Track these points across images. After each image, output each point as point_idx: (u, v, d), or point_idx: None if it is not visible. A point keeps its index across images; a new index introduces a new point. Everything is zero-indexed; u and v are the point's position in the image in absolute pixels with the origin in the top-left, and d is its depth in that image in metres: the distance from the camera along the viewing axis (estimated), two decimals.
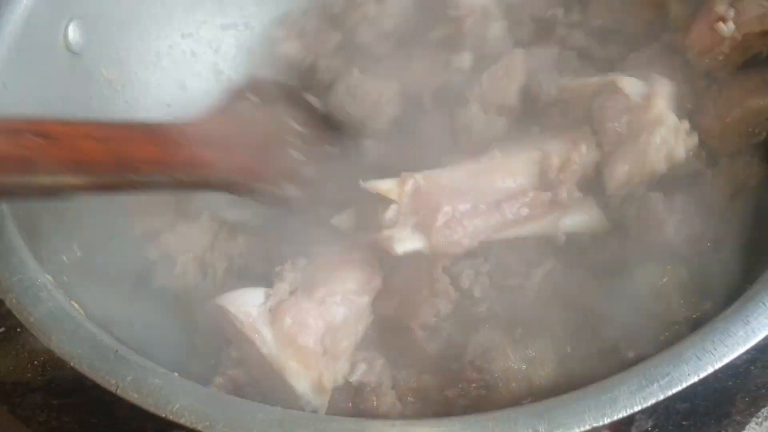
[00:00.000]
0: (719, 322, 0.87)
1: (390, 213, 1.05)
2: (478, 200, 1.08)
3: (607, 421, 0.80)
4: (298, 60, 1.59)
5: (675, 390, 0.82)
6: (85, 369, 0.85)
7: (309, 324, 0.99)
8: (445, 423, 0.82)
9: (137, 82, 1.50)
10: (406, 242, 1.05)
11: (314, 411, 0.98)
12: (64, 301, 0.94)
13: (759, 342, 1.37)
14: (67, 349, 0.87)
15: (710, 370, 0.83)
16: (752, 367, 1.45)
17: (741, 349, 0.84)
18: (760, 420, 2.13)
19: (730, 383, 1.49)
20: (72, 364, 0.86)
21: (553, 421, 0.80)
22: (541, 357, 1.08)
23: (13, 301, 0.92)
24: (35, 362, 1.31)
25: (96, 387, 1.30)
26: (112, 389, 0.84)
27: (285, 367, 0.96)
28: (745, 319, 0.86)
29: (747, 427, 1.93)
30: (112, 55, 1.46)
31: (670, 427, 1.67)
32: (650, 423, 1.63)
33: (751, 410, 1.65)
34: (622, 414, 0.81)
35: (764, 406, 1.69)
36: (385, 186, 1.06)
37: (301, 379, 0.97)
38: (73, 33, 1.35)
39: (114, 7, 1.46)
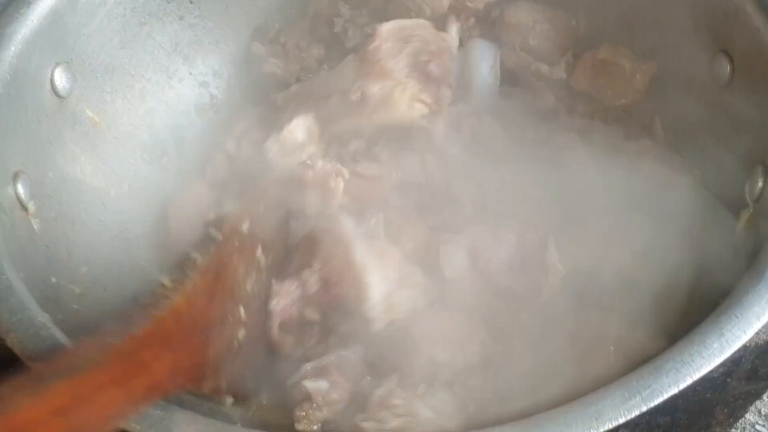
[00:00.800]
0: (695, 335, 0.92)
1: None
2: None
3: None
4: (285, 77, 1.64)
5: (657, 401, 0.86)
6: None
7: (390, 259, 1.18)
8: None
9: (122, 124, 1.53)
10: None
11: (371, 321, 1.11)
12: (63, 338, 0.96)
13: (734, 355, 1.43)
14: None
15: (689, 381, 0.87)
16: (729, 379, 1.50)
17: (717, 360, 0.89)
18: (738, 431, 2.18)
19: (709, 395, 1.54)
20: None
21: None
22: None
23: (15, 340, 0.94)
24: None
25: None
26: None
27: (370, 271, 1.11)
28: (719, 332, 0.91)
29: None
30: (97, 97, 1.49)
31: None
32: None
33: (729, 421, 1.70)
34: (608, 426, 0.85)
35: (742, 417, 1.74)
36: None
37: (378, 288, 1.11)
38: (59, 78, 1.38)
39: (98, 52, 1.49)
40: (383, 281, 1.13)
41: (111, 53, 1.53)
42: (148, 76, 1.61)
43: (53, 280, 1.22)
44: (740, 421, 2.23)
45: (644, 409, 0.86)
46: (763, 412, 2.31)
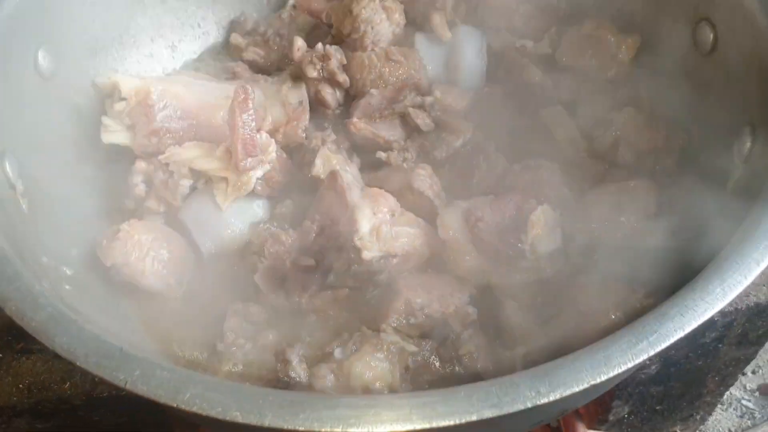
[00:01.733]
0: (697, 282, 0.93)
1: (117, 106, 1.41)
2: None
3: (603, 378, 0.84)
4: (266, 65, 1.64)
5: (663, 345, 0.86)
6: (92, 367, 0.86)
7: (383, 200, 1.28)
8: (449, 392, 0.85)
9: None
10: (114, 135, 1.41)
11: (360, 250, 1.20)
12: (62, 305, 0.94)
13: (726, 320, 1.46)
14: (73, 350, 0.87)
15: (694, 324, 0.88)
16: (720, 345, 1.52)
17: (720, 305, 0.90)
18: (725, 406, 2.22)
19: (701, 363, 1.56)
20: (78, 363, 0.86)
21: (554, 382, 0.83)
22: None
23: (13, 308, 0.92)
24: (20, 385, 1.30)
25: (81, 407, 1.32)
26: (121, 384, 0.84)
27: (360, 208, 1.23)
28: (721, 278, 0.92)
29: (714, 411, 2.01)
30: (81, 79, 1.47)
31: (645, 413, 1.73)
32: (626, 409, 1.69)
33: (720, 390, 1.72)
34: (617, 371, 0.85)
35: (732, 384, 1.77)
36: (128, 84, 1.39)
37: (367, 221, 1.23)
38: (42, 58, 1.36)
39: (81, 34, 1.48)
40: (372, 216, 1.24)
41: (94, 35, 1.51)
42: (131, 58, 1.60)
43: (44, 260, 1.20)
44: (727, 396, 2.27)
45: (651, 353, 0.86)
46: (748, 387, 2.35)
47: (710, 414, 1.88)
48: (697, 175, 1.29)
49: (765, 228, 0.98)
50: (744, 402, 2.30)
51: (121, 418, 1.37)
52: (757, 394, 2.33)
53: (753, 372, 2.37)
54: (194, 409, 0.82)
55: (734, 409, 2.28)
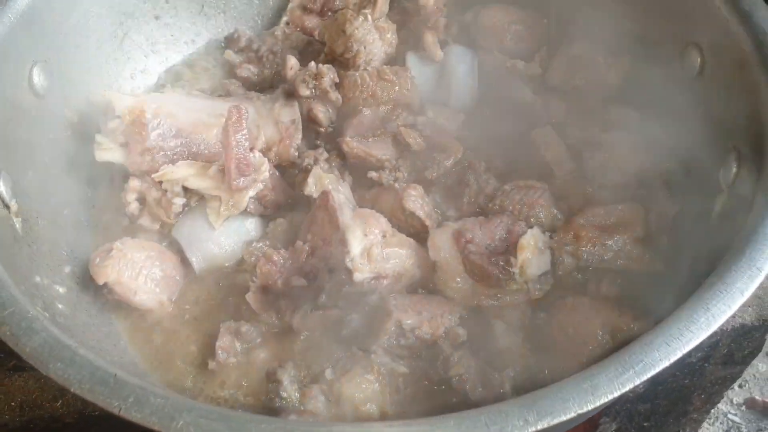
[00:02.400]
0: (683, 311, 0.94)
1: (111, 124, 1.41)
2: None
3: (590, 407, 0.86)
4: (259, 82, 1.66)
5: (649, 374, 0.88)
6: (86, 393, 0.87)
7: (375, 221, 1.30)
8: (439, 420, 0.86)
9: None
10: (108, 153, 1.42)
11: (352, 272, 1.22)
12: (56, 329, 0.95)
13: (711, 339, 1.47)
14: (67, 376, 0.88)
15: (679, 354, 0.90)
16: (706, 365, 1.54)
17: (704, 334, 0.91)
18: (711, 420, 2.24)
19: (687, 381, 1.58)
20: (72, 390, 0.87)
21: (541, 411, 0.85)
22: None
23: (8, 333, 0.93)
24: (12, 403, 1.30)
25: (73, 426, 1.32)
26: (115, 411, 0.85)
27: (352, 229, 1.25)
28: (705, 307, 0.94)
29: (702, 426, 2.03)
30: (75, 97, 1.48)
31: (633, 430, 1.74)
32: (614, 426, 1.70)
33: (706, 407, 1.74)
34: (603, 400, 0.86)
35: (718, 402, 1.78)
36: (123, 102, 1.40)
37: (358, 242, 1.24)
38: (37, 76, 1.37)
39: (75, 51, 1.49)
40: (363, 238, 1.25)
41: (88, 52, 1.52)
42: (125, 75, 1.60)
43: (37, 279, 1.21)
44: (714, 410, 2.29)
45: (637, 381, 0.88)
46: (735, 402, 2.37)
47: (697, 430, 1.89)
48: (684, 199, 1.31)
49: (749, 256, 0.99)
50: (730, 416, 2.32)
51: None
52: (743, 408, 2.35)
53: (740, 386, 2.39)
54: None
55: (721, 423, 2.30)
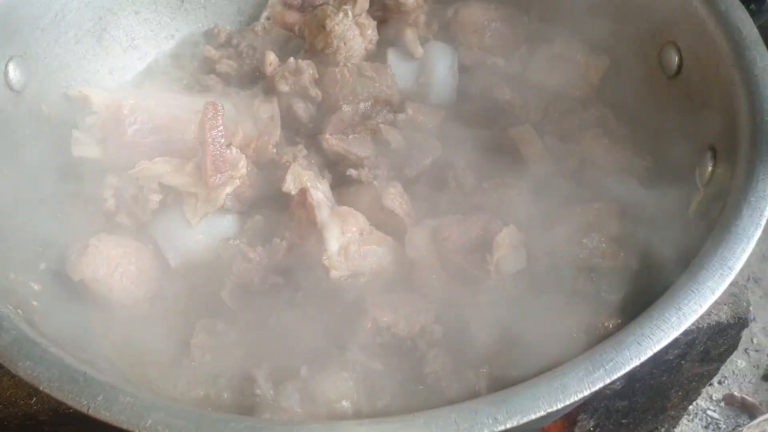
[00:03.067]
0: (654, 310, 0.95)
1: (89, 120, 1.40)
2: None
3: (560, 405, 0.86)
4: (239, 77, 1.65)
5: (619, 373, 0.89)
6: (55, 392, 0.86)
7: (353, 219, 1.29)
8: (409, 418, 0.86)
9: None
10: (85, 148, 1.41)
11: (329, 270, 1.22)
12: (27, 327, 0.94)
13: (688, 337, 1.49)
14: (36, 374, 0.88)
15: (650, 353, 0.90)
16: (683, 362, 1.55)
17: (675, 333, 0.92)
18: (690, 417, 2.25)
19: (665, 378, 1.59)
20: (41, 388, 0.87)
21: (511, 409, 0.85)
22: None
23: None
24: None
25: (48, 423, 1.31)
26: (84, 410, 0.85)
27: (329, 227, 1.25)
28: (676, 306, 0.94)
29: (680, 422, 2.05)
30: (52, 92, 1.47)
31: (611, 426, 1.76)
32: (592, 423, 1.71)
33: (684, 404, 1.75)
34: (573, 399, 0.87)
35: (696, 399, 1.80)
36: (100, 98, 1.39)
37: (335, 240, 1.24)
38: (13, 71, 1.36)
39: (52, 46, 1.48)
40: (340, 236, 1.25)
41: (66, 48, 1.51)
42: (104, 70, 1.59)
43: (12, 276, 1.20)
44: (693, 406, 2.31)
45: (607, 381, 0.88)
46: (714, 398, 2.39)
47: (675, 427, 1.91)
48: (660, 198, 1.31)
49: (720, 255, 1.00)
50: (709, 412, 2.34)
51: None
52: (722, 404, 2.37)
53: (719, 382, 2.41)
54: None
55: (700, 419, 2.32)
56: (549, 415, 0.87)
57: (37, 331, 0.98)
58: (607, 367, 0.89)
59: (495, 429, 0.84)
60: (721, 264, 0.99)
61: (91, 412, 0.85)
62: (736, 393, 2.38)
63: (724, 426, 2.31)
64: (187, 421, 0.84)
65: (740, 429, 2.27)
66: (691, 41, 1.35)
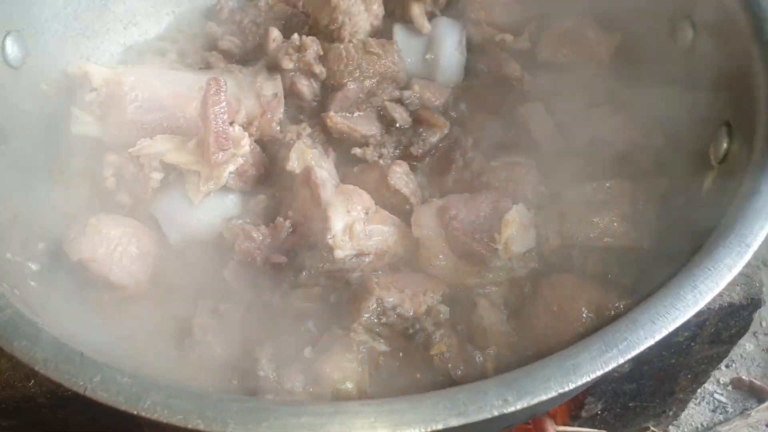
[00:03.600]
0: (669, 288, 0.92)
1: (88, 97, 1.37)
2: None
3: (571, 386, 0.83)
4: (242, 54, 1.61)
5: (633, 353, 0.86)
6: (51, 372, 0.84)
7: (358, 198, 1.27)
8: (417, 399, 0.84)
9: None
10: (84, 126, 1.38)
11: (333, 249, 1.19)
12: (23, 306, 0.92)
13: (700, 319, 1.46)
14: (32, 354, 0.85)
15: (665, 332, 0.87)
16: (693, 344, 1.52)
17: (691, 312, 0.89)
18: (698, 400, 2.23)
19: (674, 361, 1.56)
20: (37, 369, 0.84)
21: (522, 390, 0.83)
22: None
23: None
24: None
25: (46, 405, 1.30)
26: (81, 390, 0.82)
27: (334, 206, 1.22)
28: (692, 284, 0.91)
29: (687, 406, 2.03)
30: (51, 68, 1.44)
31: (618, 409, 1.73)
32: (600, 406, 1.69)
33: (692, 387, 1.73)
34: (586, 379, 0.84)
35: (704, 382, 1.77)
36: (100, 74, 1.36)
37: (340, 219, 1.21)
38: (11, 46, 1.33)
39: (51, 22, 1.45)
40: (345, 214, 1.22)
41: (64, 23, 1.48)
42: (104, 47, 1.56)
43: (8, 255, 1.18)
44: (700, 390, 2.28)
45: (621, 361, 0.85)
46: (722, 381, 2.36)
47: (683, 410, 1.89)
48: (673, 175, 1.28)
49: (738, 232, 0.97)
50: (717, 396, 2.31)
51: (86, 416, 1.35)
52: (729, 388, 2.35)
53: (726, 366, 2.38)
54: (155, 417, 0.80)
55: (707, 403, 2.30)
56: (560, 396, 0.84)
57: (38, 311, 0.96)
58: (620, 346, 0.86)
59: (505, 410, 0.81)
60: (739, 241, 0.96)
61: (88, 393, 0.82)
62: (744, 377, 2.35)
63: (731, 410, 2.29)
64: (188, 402, 0.81)
65: (748, 413, 2.25)
66: (707, 15, 1.31)
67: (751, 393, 2.33)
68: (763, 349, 2.44)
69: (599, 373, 0.85)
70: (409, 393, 0.87)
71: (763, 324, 2.49)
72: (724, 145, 1.19)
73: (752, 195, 1.01)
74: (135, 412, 0.81)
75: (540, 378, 0.84)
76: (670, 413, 1.86)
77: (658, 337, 0.87)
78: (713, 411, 2.29)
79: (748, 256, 0.94)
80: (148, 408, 0.81)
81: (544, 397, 0.82)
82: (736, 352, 2.39)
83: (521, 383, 0.83)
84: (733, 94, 1.21)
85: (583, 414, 1.67)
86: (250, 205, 1.37)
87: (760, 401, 2.30)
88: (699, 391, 2.22)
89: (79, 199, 1.38)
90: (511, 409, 0.81)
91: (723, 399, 2.31)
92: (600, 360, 0.85)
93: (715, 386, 2.34)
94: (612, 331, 0.87)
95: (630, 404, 1.71)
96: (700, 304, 0.90)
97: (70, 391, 1.10)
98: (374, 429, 0.80)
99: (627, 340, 0.87)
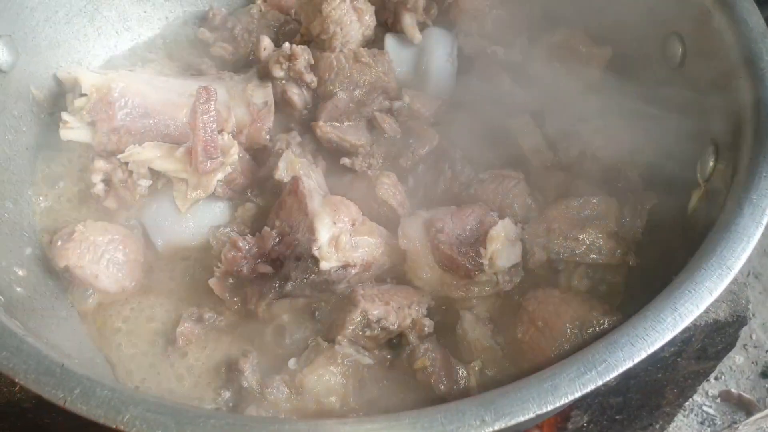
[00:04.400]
0: (649, 310, 0.92)
1: (78, 102, 1.36)
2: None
3: (549, 407, 0.84)
4: (234, 60, 1.61)
5: (612, 375, 0.86)
6: (31, 384, 0.84)
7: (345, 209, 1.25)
8: (394, 418, 0.84)
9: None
10: (73, 131, 1.37)
11: (318, 260, 1.17)
12: (4, 318, 0.92)
13: (684, 334, 1.46)
14: (12, 365, 0.86)
15: (644, 354, 0.88)
16: (679, 359, 1.52)
17: (670, 335, 0.89)
18: (686, 412, 2.23)
19: (660, 375, 1.56)
20: (18, 380, 0.84)
21: (500, 411, 0.83)
22: None
23: None
24: None
25: (31, 410, 1.29)
26: (60, 403, 0.83)
27: (320, 217, 1.21)
28: (672, 306, 0.92)
29: (675, 418, 2.03)
30: (42, 73, 1.44)
31: (605, 422, 1.73)
32: (586, 418, 1.69)
33: (679, 401, 1.72)
34: (564, 401, 0.84)
35: (691, 396, 1.77)
36: (90, 80, 1.36)
37: (326, 230, 1.20)
38: (1, 51, 1.33)
39: (42, 26, 1.45)
40: (332, 225, 1.21)
41: (56, 27, 1.48)
42: (95, 52, 1.56)
43: None
44: (689, 402, 2.28)
45: (599, 383, 0.86)
46: (710, 393, 2.36)
47: (670, 423, 1.88)
48: (660, 193, 1.28)
49: (720, 255, 0.97)
50: (705, 408, 2.31)
51: (72, 421, 1.34)
52: (718, 400, 2.35)
53: (716, 378, 2.38)
54: (134, 431, 0.80)
55: (695, 415, 2.30)
56: (538, 416, 0.84)
57: (17, 320, 0.96)
58: (599, 368, 0.86)
59: (483, 431, 0.81)
60: (720, 264, 0.96)
61: (68, 406, 0.82)
62: (733, 389, 2.35)
63: (720, 422, 2.29)
64: (166, 416, 0.81)
65: (736, 426, 2.25)
66: (696, 32, 1.31)
67: (739, 406, 2.33)
68: (752, 362, 2.44)
69: (578, 394, 0.85)
70: (392, 408, 0.88)
71: (753, 337, 2.49)
72: (711, 164, 1.20)
73: (735, 216, 1.01)
74: (114, 426, 0.81)
75: (518, 399, 0.84)
76: (657, 426, 1.86)
77: (637, 359, 0.87)
78: (701, 423, 2.29)
79: (728, 279, 0.94)
80: (126, 422, 0.81)
81: (521, 418, 0.83)
82: (725, 365, 2.39)
83: (499, 404, 0.84)
84: (721, 113, 1.21)
85: (570, 426, 1.67)
86: (238, 214, 1.37)
87: (749, 414, 2.30)
88: (688, 403, 2.22)
89: (67, 206, 1.39)
90: (489, 429, 0.82)
91: (711, 411, 2.31)
92: (578, 381, 0.85)
93: (704, 398, 2.34)
94: (591, 353, 0.88)
95: (617, 417, 1.71)
96: (680, 327, 0.90)
97: None
98: None
99: (606, 361, 0.87)
